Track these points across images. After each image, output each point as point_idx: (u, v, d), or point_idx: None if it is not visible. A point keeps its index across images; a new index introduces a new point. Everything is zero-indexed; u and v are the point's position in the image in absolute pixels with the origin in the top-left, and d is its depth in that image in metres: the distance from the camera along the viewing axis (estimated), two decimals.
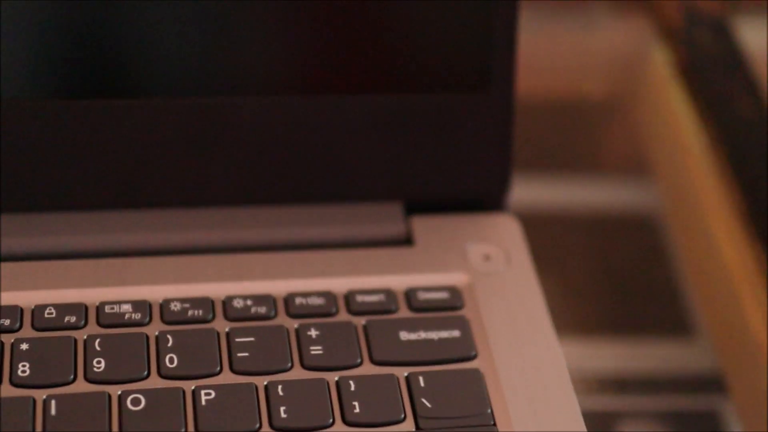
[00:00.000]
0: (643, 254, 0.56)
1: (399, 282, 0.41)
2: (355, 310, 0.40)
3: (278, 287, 0.40)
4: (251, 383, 0.37)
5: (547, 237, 0.54)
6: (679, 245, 0.54)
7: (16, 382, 0.37)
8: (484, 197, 0.44)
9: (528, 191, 0.55)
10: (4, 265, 0.40)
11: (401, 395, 0.38)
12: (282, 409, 0.37)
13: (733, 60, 0.56)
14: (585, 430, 0.38)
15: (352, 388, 0.38)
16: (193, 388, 0.37)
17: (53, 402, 0.36)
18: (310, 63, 0.41)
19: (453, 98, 0.42)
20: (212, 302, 0.40)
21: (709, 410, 0.51)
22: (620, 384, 0.51)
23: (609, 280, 0.55)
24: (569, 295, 0.53)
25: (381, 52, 0.41)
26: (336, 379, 0.38)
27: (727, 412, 0.50)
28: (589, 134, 0.60)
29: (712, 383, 0.51)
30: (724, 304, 0.50)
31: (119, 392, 0.37)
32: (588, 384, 0.51)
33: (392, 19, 0.41)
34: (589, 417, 0.48)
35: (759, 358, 0.46)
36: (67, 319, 0.39)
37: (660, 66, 0.57)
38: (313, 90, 0.41)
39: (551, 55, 0.58)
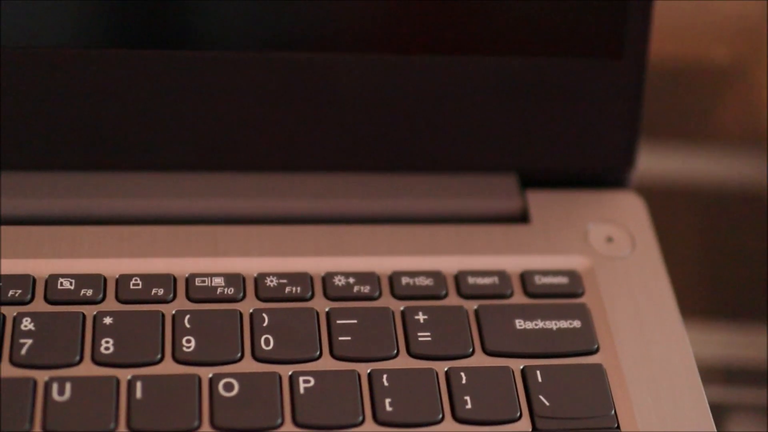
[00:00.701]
0: (763, 233, 0.52)
1: (514, 263, 0.38)
2: (466, 293, 0.37)
3: (382, 264, 0.37)
4: (353, 370, 0.34)
5: (660, 212, 0.51)
6: None
7: (98, 360, 0.34)
8: (606, 173, 0.40)
9: (643, 162, 0.52)
10: (86, 228, 0.37)
11: (516, 391, 0.35)
12: (387, 401, 0.34)
13: None
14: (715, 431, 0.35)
15: (464, 381, 0.35)
16: (290, 373, 0.34)
17: (139, 384, 0.33)
18: (432, 20, 0.38)
19: (582, 64, 0.38)
20: (311, 278, 0.37)
21: None
22: (734, 374, 0.48)
23: (726, 260, 0.51)
24: (683, 277, 0.50)
25: (510, 10, 0.38)
26: (446, 369, 0.35)
27: None
28: (710, 101, 0.56)
29: None
30: None
31: (210, 375, 0.34)
32: (700, 373, 0.48)
33: None
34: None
35: None
36: (154, 291, 0.36)
37: None
38: (433, 49, 0.38)
39: (674, 16, 0.55)
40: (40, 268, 0.36)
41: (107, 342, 0.34)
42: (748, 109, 0.56)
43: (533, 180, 0.40)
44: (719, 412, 0.48)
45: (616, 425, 0.34)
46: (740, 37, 0.56)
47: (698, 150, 0.54)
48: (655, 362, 0.36)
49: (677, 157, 0.54)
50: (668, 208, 0.52)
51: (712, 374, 0.48)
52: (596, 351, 0.36)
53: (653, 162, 0.53)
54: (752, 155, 0.55)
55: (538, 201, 0.40)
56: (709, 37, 0.56)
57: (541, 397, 0.35)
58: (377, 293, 0.37)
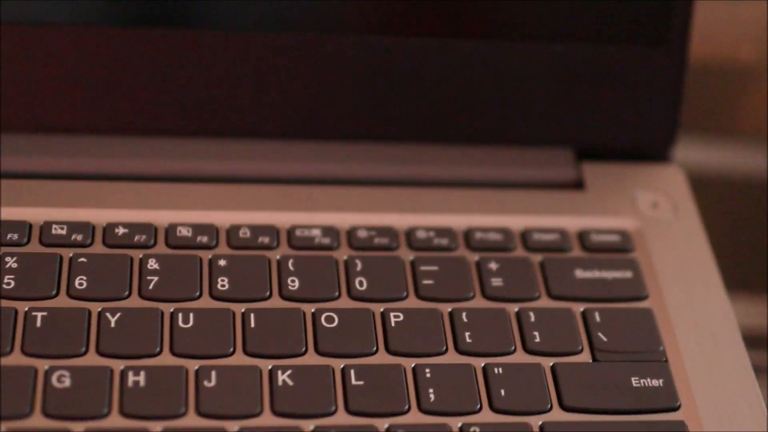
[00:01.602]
0: None
1: (572, 223, 0.43)
2: (531, 246, 0.42)
3: (458, 221, 0.42)
4: (436, 309, 0.39)
5: (705, 199, 0.55)
6: None
7: (215, 295, 0.39)
8: (652, 148, 0.45)
9: (686, 152, 0.56)
10: (200, 186, 0.42)
11: (578, 329, 0.39)
12: (466, 334, 0.39)
13: None
14: (751, 368, 0.39)
15: (532, 319, 0.39)
16: (382, 310, 0.39)
17: (252, 315, 0.38)
18: (496, 7, 0.43)
19: (631, 51, 0.43)
20: (396, 232, 0.41)
21: None
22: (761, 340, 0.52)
23: (761, 239, 0.56)
24: (723, 253, 0.54)
25: (566, 4, 0.43)
26: (516, 310, 0.40)
27: None
28: (739, 97, 0.61)
29: None
30: None
31: (313, 310, 0.39)
32: None
33: None
34: None
35: None
36: (260, 239, 0.41)
37: None
38: (497, 35, 0.43)
39: (706, 16, 0.59)
40: (160, 218, 0.41)
41: (222, 281, 0.39)
42: None
43: (588, 153, 0.45)
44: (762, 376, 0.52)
45: (664, 359, 0.39)
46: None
47: (728, 143, 0.59)
48: (699, 311, 0.41)
49: (708, 149, 0.58)
50: (701, 193, 0.56)
51: (754, 342, 0.52)
52: (646, 298, 0.41)
53: (700, 153, 0.58)
54: None
55: (592, 171, 0.45)
56: (737, 37, 0.61)
57: (599, 334, 0.39)
58: (455, 245, 0.41)
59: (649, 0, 0.43)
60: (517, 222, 0.42)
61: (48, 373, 0.35)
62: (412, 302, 0.39)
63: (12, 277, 0.38)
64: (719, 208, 0.56)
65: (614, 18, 0.43)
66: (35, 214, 0.40)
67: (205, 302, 0.39)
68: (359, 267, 0.40)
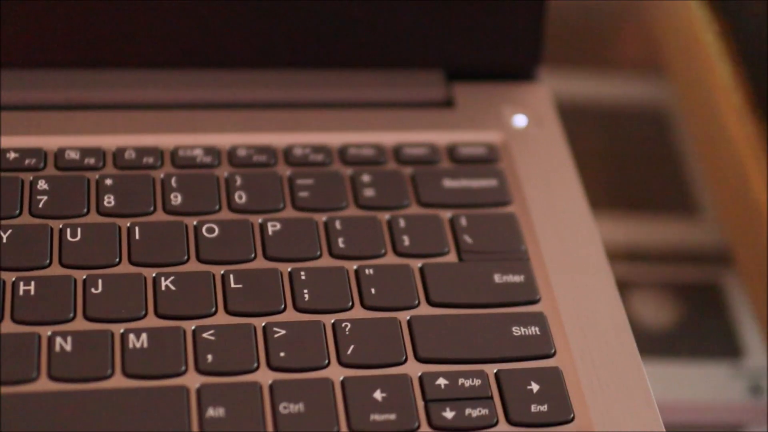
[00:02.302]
0: (656, 143, 0.60)
1: (441, 138, 0.45)
2: (402, 160, 0.44)
3: (333, 139, 0.45)
4: (312, 218, 0.42)
5: (565, 126, 0.58)
6: (690, 130, 0.59)
7: (102, 211, 0.41)
8: (519, 67, 0.48)
9: (561, 82, 0.59)
10: (90, 113, 0.44)
11: (445, 232, 0.42)
12: (340, 240, 0.41)
13: None
14: (608, 265, 0.42)
15: (402, 225, 0.42)
16: (260, 221, 0.41)
17: (137, 228, 0.40)
18: None
19: None
20: (274, 150, 0.44)
21: (712, 282, 0.55)
22: (630, 256, 0.56)
23: (622, 163, 0.59)
24: (586, 176, 0.57)
25: None
26: (387, 217, 0.42)
27: (731, 285, 0.55)
28: (606, 31, 0.64)
29: (718, 257, 0.56)
30: (729, 178, 0.54)
31: (195, 222, 0.41)
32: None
33: None
34: None
35: (762, 229, 0.50)
36: (145, 159, 0.43)
37: None
38: None
39: None
40: (50, 143, 0.43)
41: (109, 197, 0.41)
42: (641, 39, 0.64)
43: (459, 74, 0.48)
44: (622, 289, 0.55)
45: (526, 258, 0.42)
46: None
47: (599, 75, 0.62)
48: (559, 214, 0.43)
49: (583, 82, 0.62)
50: (574, 124, 0.59)
51: (614, 257, 0.56)
52: (510, 203, 0.44)
53: (561, 86, 0.61)
54: (649, 78, 0.63)
55: (462, 90, 0.47)
56: None
57: (465, 236, 0.42)
58: (329, 161, 0.44)
59: None
60: (389, 138, 0.45)
61: None
62: (289, 213, 0.42)
63: None
64: (587, 134, 0.59)
65: None
66: None
67: (92, 218, 0.41)
68: (239, 182, 0.42)
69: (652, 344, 0.54)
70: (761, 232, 0.50)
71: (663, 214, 0.58)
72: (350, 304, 0.40)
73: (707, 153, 0.57)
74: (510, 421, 0.37)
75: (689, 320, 0.55)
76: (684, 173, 0.59)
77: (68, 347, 0.37)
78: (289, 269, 0.40)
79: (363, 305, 0.40)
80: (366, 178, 0.43)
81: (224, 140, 0.44)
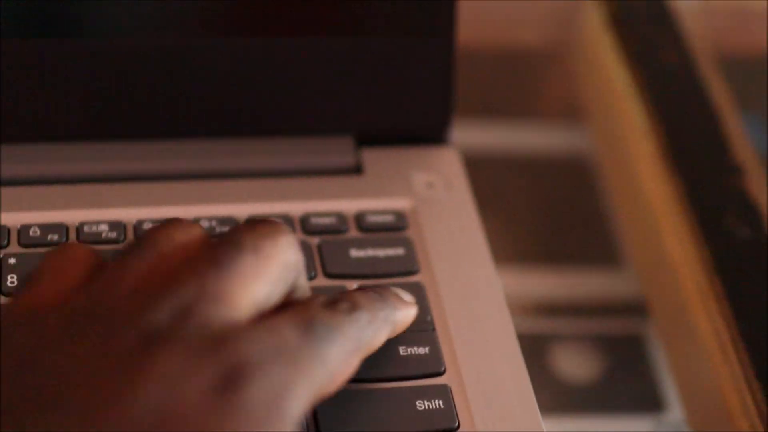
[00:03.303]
0: (576, 193, 0.60)
1: (350, 206, 0.45)
2: (310, 230, 0.44)
3: (241, 210, 0.45)
4: None
5: (488, 177, 0.59)
6: (608, 183, 0.59)
7: (5, 292, 0.41)
8: (428, 132, 0.48)
9: (470, 135, 0.59)
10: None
11: None
12: None
13: (662, 12, 0.61)
14: (515, 336, 0.42)
15: None
16: None
17: None
18: (267, 8, 0.45)
19: (402, 41, 0.46)
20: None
21: (633, 333, 0.56)
22: (553, 309, 0.56)
23: (545, 215, 0.60)
24: (507, 229, 0.58)
25: (339, 0, 0.45)
26: None
27: (649, 335, 0.55)
28: (526, 82, 0.64)
29: (637, 309, 0.56)
30: (646, 233, 0.54)
31: None
32: (523, 308, 0.56)
33: None
34: (524, 338, 0.53)
35: (675, 280, 0.51)
36: (50, 237, 0.43)
37: (594, 16, 0.62)
38: (270, 33, 0.46)
39: (493, 6, 0.62)
40: None
41: (12, 277, 0.41)
42: (562, 89, 0.64)
43: (369, 140, 0.48)
44: (543, 341, 0.56)
45: (432, 328, 0.42)
46: (557, 23, 0.64)
47: (521, 124, 0.62)
48: (466, 281, 0.44)
49: (502, 130, 0.62)
50: (497, 172, 0.60)
51: (536, 309, 0.56)
52: (417, 272, 0.44)
53: (484, 135, 0.61)
54: (569, 127, 0.63)
55: (371, 156, 0.47)
56: (529, 22, 0.64)
57: None
58: None
59: None
60: (297, 208, 0.45)
61: None
62: None
63: None
64: (512, 184, 0.60)
65: (385, 12, 0.46)
66: None
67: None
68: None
69: (576, 399, 0.54)
70: (674, 286, 0.51)
71: (586, 266, 0.58)
72: None
73: (624, 204, 0.57)
74: None
75: (612, 373, 0.55)
76: (607, 224, 0.59)
77: None
78: None
79: None
80: None
81: (130, 214, 0.44)
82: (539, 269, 0.58)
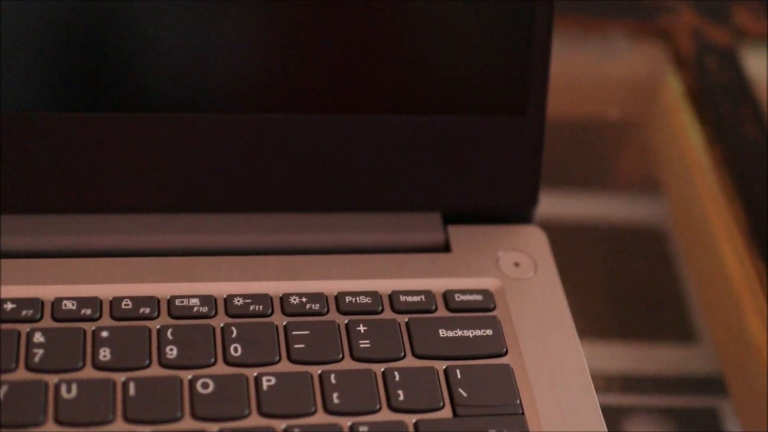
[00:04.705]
0: (654, 265, 0.60)
1: (438, 285, 0.46)
2: (398, 308, 0.44)
3: (329, 287, 0.45)
4: (307, 372, 0.42)
5: (566, 247, 0.58)
6: (686, 257, 0.59)
7: (97, 366, 0.41)
8: (514, 210, 0.48)
9: (551, 204, 0.59)
10: (86, 261, 0.45)
11: (440, 385, 0.42)
12: (335, 395, 0.41)
13: (740, 86, 0.61)
14: (602, 420, 0.42)
15: (397, 378, 0.42)
16: (255, 374, 0.42)
17: (132, 384, 0.41)
18: (356, 84, 0.45)
19: (492, 120, 0.46)
20: (271, 298, 0.44)
21: (710, 408, 0.55)
22: (630, 383, 0.56)
23: (622, 287, 0.59)
24: (586, 301, 0.58)
25: (430, 80, 0.46)
26: (382, 370, 0.42)
27: (727, 411, 0.55)
28: (607, 153, 0.64)
29: (714, 384, 0.56)
30: (726, 311, 0.54)
31: (190, 377, 0.41)
32: (600, 382, 0.55)
33: (438, 49, 0.46)
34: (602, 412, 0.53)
35: (758, 361, 0.50)
36: (141, 310, 0.43)
37: (672, 91, 0.62)
38: (359, 109, 0.46)
39: (573, 79, 0.62)
40: (47, 292, 0.43)
41: (104, 351, 0.42)
42: (640, 161, 0.64)
43: (456, 217, 0.48)
44: (620, 414, 0.56)
45: (521, 412, 0.42)
46: (637, 96, 0.65)
47: (600, 194, 0.62)
48: (554, 364, 0.44)
49: (582, 200, 0.62)
50: (575, 242, 0.59)
51: (612, 383, 0.56)
52: (505, 354, 0.44)
53: (564, 204, 0.61)
54: (647, 199, 0.63)
55: (458, 234, 0.48)
56: (609, 96, 0.64)
57: (460, 390, 0.42)
58: (326, 310, 0.44)
59: (507, 73, 0.46)
60: (385, 285, 0.45)
61: None
62: (285, 366, 0.42)
63: None
64: (588, 254, 0.59)
65: (474, 90, 0.46)
66: None
67: (88, 373, 0.41)
68: (234, 333, 0.43)
69: None
70: (760, 371, 0.50)
71: (663, 341, 0.58)
72: None
73: (703, 279, 0.57)
74: None
75: None
76: (683, 297, 0.59)
77: None
78: (283, 426, 0.40)
79: None
80: (361, 328, 0.44)
81: (220, 289, 0.44)
82: (616, 342, 0.57)
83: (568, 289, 0.49)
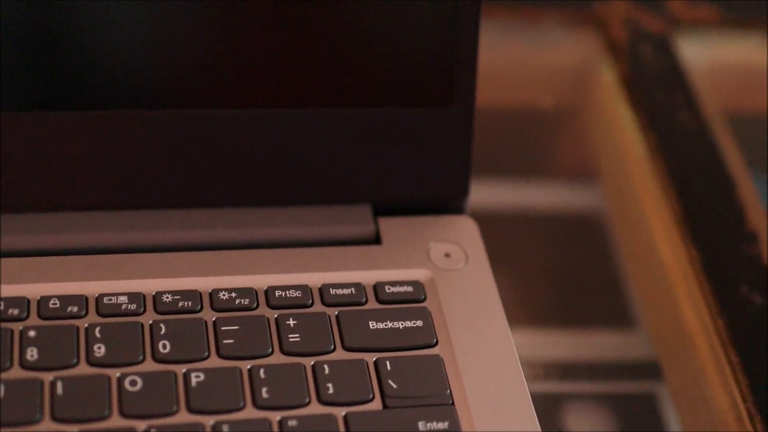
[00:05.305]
0: (591, 252, 0.60)
1: (368, 277, 0.46)
2: (328, 302, 0.45)
3: (259, 281, 0.45)
4: (236, 367, 0.42)
5: (501, 236, 0.58)
6: (622, 244, 0.59)
7: (25, 365, 0.41)
8: (445, 201, 0.48)
9: (484, 194, 0.59)
10: (13, 261, 0.44)
11: (370, 378, 0.42)
12: (264, 390, 0.41)
13: (673, 74, 0.61)
14: (533, 408, 0.42)
15: (326, 372, 0.42)
16: (184, 371, 0.41)
17: (59, 383, 0.40)
18: (283, 79, 0.45)
19: (420, 111, 0.46)
20: (200, 294, 0.44)
21: (648, 394, 0.56)
22: (568, 370, 0.56)
23: (558, 275, 0.60)
24: (522, 289, 0.58)
25: (355, 71, 0.46)
26: (312, 363, 0.42)
27: (663, 396, 0.55)
28: (542, 142, 0.65)
29: (651, 370, 0.56)
30: (660, 297, 0.54)
31: (118, 374, 0.41)
32: (538, 369, 0.56)
33: (364, 42, 0.46)
34: (538, 399, 0.53)
35: (690, 346, 0.51)
36: (69, 309, 0.43)
37: (606, 78, 0.62)
38: (287, 104, 0.46)
39: (507, 68, 0.63)
40: None
41: (32, 350, 0.41)
42: (575, 150, 0.65)
43: (386, 209, 0.48)
44: (559, 401, 0.56)
45: (451, 402, 0.42)
46: (571, 85, 0.65)
47: (534, 183, 0.63)
48: (484, 353, 0.44)
49: (516, 189, 0.62)
50: (510, 231, 0.60)
51: (551, 370, 0.56)
52: (435, 344, 0.44)
53: (497, 194, 0.61)
54: (583, 187, 0.63)
55: (389, 226, 0.48)
56: (543, 84, 0.65)
57: (390, 381, 0.42)
58: (255, 305, 0.44)
59: (432, 64, 0.46)
60: (315, 279, 0.45)
61: None
62: (214, 362, 0.42)
63: None
64: (526, 243, 0.60)
65: (401, 82, 0.46)
66: None
67: (15, 372, 0.41)
68: (163, 330, 0.43)
69: None
70: (692, 355, 0.51)
71: (599, 327, 0.58)
72: None
73: (638, 266, 0.57)
74: None
75: None
76: (619, 284, 0.59)
77: None
78: (212, 422, 0.40)
79: None
80: (291, 322, 0.43)
81: (149, 286, 0.44)
82: (552, 329, 0.58)
83: (505, 277, 0.49)
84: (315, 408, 0.41)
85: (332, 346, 0.43)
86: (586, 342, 0.57)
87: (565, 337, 0.57)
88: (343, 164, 0.47)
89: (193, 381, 0.41)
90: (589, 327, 0.58)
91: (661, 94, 0.60)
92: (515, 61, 0.64)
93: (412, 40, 0.46)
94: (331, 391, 0.42)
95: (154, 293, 0.44)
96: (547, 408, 0.55)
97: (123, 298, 0.43)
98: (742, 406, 0.47)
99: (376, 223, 0.48)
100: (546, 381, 0.55)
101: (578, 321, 0.58)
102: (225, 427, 0.40)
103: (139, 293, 0.44)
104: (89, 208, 0.46)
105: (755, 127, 0.64)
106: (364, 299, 0.45)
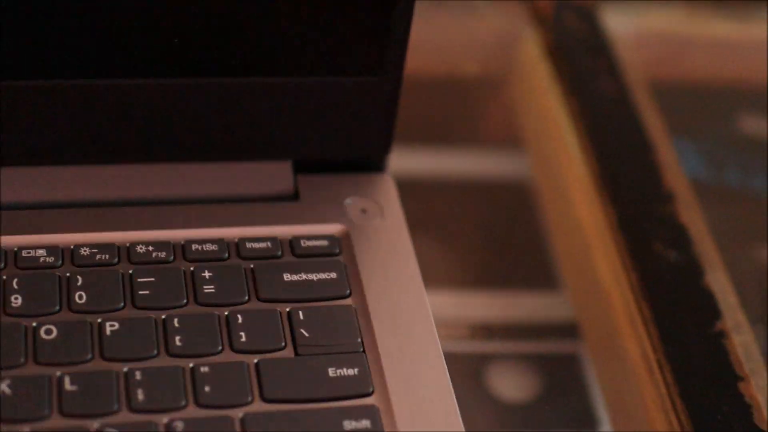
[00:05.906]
0: (516, 217, 0.62)
1: (285, 232, 0.46)
2: (244, 255, 0.45)
3: (177, 235, 0.46)
4: (150, 317, 0.43)
5: (429, 202, 0.60)
6: (546, 208, 0.60)
7: None
8: (366, 160, 0.49)
9: (411, 161, 0.60)
10: None
11: (283, 327, 0.43)
12: (177, 338, 0.42)
13: (597, 43, 0.62)
14: (442, 356, 0.43)
15: (240, 321, 0.43)
16: (99, 320, 0.42)
17: None
18: (222, 48, 0.46)
19: (350, 81, 0.47)
20: (117, 248, 0.45)
21: (571, 354, 0.57)
22: (494, 330, 0.57)
23: (484, 239, 0.61)
24: (449, 253, 0.59)
25: (286, 41, 0.46)
26: (226, 313, 0.43)
27: (585, 355, 0.56)
28: (469, 110, 0.66)
29: (573, 330, 0.57)
30: (579, 258, 0.55)
31: (34, 324, 0.42)
32: (462, 330, 0.57)
33: (294, 12, 0.46)
34: (463, 359, 0.54)
35: (606, 306, 0.52)
36: None
37: (531, 47, 0.63)
38: (212, 73, 0.46)
39: (433, 37, 0.64)
40: None
41: None
42: (502, 118, 0.66)
43: (309, 166, 0.49)
44: (484, 360, 0.57)
45: (362, 350, 0.43)
46: (496, 53, 0.66)
47: (461, 150, 0.64)
48: (397, 304, 0.45)
49: (444, 156, 0.63)
50: (438, 197, 0.61)
51: (477, 331, 0.57)
52: (348, 296, 0.45)
53: (425, 161, 0.62)
54: (508, 153, 0.64)
55: (308, 183, 0.49)
56: (469, 53, 0.66)
57: (302, 330, 0.43)
58: (172, 258, 0.45)
59: (363, 33, 0.46)
60: (233, 233, 0.46)
61: None
62: (130, 312, 0.43)
63: None
64: (439, 212, 0.61)
65: (333, 53, 0.47)
66: None
67: None
68: (80, 282, 0.43)
69: (512, 418, 0.55)
70: (605, 310, 0.52)
71: (523, 289, 0.59)
72: (184, 403, 0.40)
73: (560, 229, 0.59)
74: None
75: (547, 393, 0.56)
76: (544, 248, 0.60)
77: None
78: (125, 369, 0.41)
79: (197, 404, 0.41)
80: (206, 274, 0.44)
81: (68, 239, 0.45)
82: (477, 292, 0.59)
83: (433, 241, 0.50)
84: (227, 356, 0.42)
85: (246, 297, 0.44)
86: (510, 303, 0.58)
87: (490, 298, 0.58)
88: (268, 125, 0.48)
89: (108, 330, 0.42)
90: (514, 288, 0.59)
91: (584, 62, 0.61)
92: (443, 31, 0.65)
93: (344, 12, 0.46)
94: (243, 339, 0.43)
95: (72, 246, 0.45)
96: (472, 368, 0.56)
97: (41, 251, 0.44)
98: (652, 357, 0.48)
99: (295, 180, 0.49)
100: (471, 341, 0.57)
101: (503, 283, 0.59)
102: (138, 374, 0.41)
103: (57, 246, 0.44)
104: (11, 164, 0.47)
105: (679, 94, 0.66)
106: (280, 253, 0.46)
